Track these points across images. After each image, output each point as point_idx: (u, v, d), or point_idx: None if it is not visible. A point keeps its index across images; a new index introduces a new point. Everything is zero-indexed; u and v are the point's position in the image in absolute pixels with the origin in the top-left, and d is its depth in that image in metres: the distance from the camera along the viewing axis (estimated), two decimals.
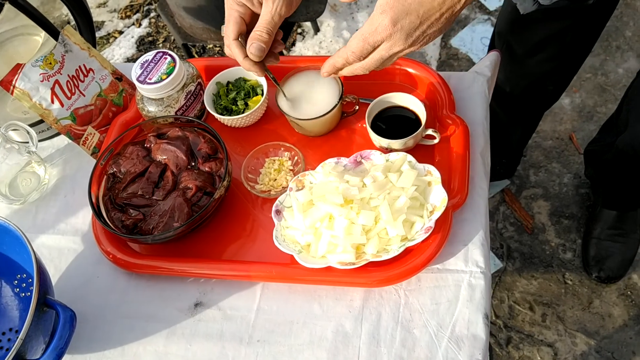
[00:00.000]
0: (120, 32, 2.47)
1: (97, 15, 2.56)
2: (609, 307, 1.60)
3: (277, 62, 0.85)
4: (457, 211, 0.86)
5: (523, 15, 1.21)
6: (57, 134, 1.07)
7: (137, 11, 2.53)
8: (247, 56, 0.82)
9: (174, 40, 2.35)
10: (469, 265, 0.83)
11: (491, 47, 1.42)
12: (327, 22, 2.19)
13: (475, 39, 2.08)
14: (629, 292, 1.61)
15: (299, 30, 2.24)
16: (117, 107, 1.05)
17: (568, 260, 1.68)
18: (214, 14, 1.68)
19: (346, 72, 0.78)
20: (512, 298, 1.65)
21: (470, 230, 0.86)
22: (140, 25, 2.47)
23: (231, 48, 0.82)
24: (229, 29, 0.81)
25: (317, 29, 2.13)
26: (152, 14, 2.50)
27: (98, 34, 2.48)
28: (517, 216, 1.78)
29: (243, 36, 0.82)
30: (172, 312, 0.87)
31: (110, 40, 2.46)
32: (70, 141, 1.03)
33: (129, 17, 2.52)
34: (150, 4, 2.53)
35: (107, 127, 1.03)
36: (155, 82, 0.92)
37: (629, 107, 1.33)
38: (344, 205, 0.82)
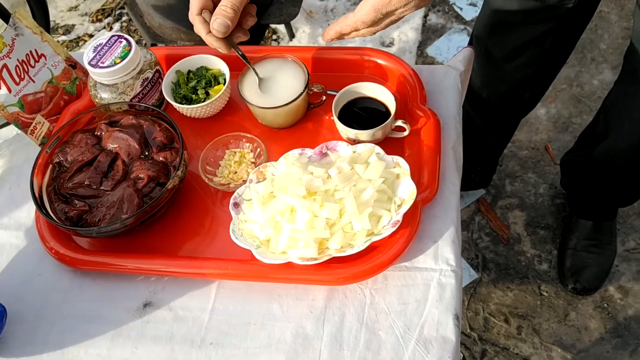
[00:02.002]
0: (91, 36, 2.41)
1: (68, 18, 2.49)
2: (585, 319, 1.56)
3: (247, 38, 0.81)
4: (427, 206, 0.81)
5: (503, 18, 1.19)
6: (6, 124, 1.00)
7: (109, 15, 2.47)
8: (210, 32, 0.77)
9: (145, 44, 2.29)
10: (439, 263, 0.78)
11: None
12: (302, 28, 2.15)
13: (451, 48, 2.06)
14: (605, 305, 1.57)
15: (274, 37, 2.20)
16: (69, 96, 0.98)
17: (544, 272, 1.64)
18: (184, 13, 1.62)
19: (352, 35, 0.78)
20: (487, 310, 1.60)
21: (440, 227, 0.80)
22: (111, 29, 2.41)
23: (194, 23, 0.78)
24: (193, 3, 0.76)
25: (292, 35, 2.09)
26: (124, 18, 2.44)
27: (68, 37, 2.42)
28: (492, 226, 1.74)
29: (208, 11, 0.78)
30: (119, 313, 0.80)
31: (80, 44, 2.39)
32: (19, 131, 0.96)
33: (100, 20, 2.46)
34: (122, 7, 2.47)
35: (57, 116, 0.97)
36: (108, 66, 0.86)
37: (606, 117, 1.30)
38: (306, 197, 0.76)
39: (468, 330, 1.57)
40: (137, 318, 0.80)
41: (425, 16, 2.15)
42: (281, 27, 2.15)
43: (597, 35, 2.08)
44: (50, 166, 0.85)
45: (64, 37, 2.41)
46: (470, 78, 1.31)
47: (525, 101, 1.41)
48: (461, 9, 2.15)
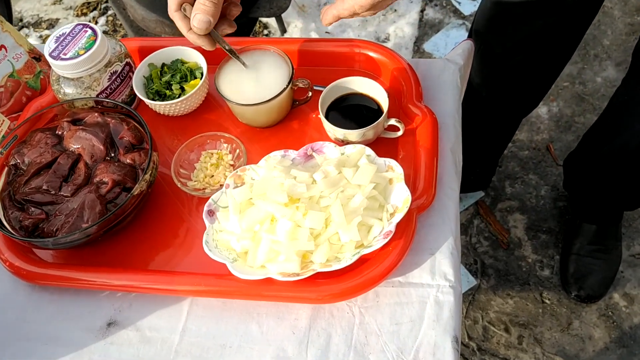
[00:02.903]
0: None
1: (52, 12, 2.40)
2: (589, 328, 1.48)
3: (233, 29, 0.73)
4: (423, 214, 0.73)
5: (503, 11, 1.11)
6: None
7: (94, 8, 2.38)
8: (191, 29, 0.69)
9: None
10: (436, 279, 0.70)
11: None
12: (294, 22, 2.07)
13: (449, 43, 1.97)
14: (610, 313, 1.50)
15: (265, 32, 2.12)
16: (32, 91, 0.90)
17: (546, 278, 1.56)
18: None
19: (351, 17, 0.71)
20: (487, 318, 1.52)
21: (437, 237, 0.72)
22: (96, 23, 2.32)
23: (174, 20, 0.70)
24: None
25: (283, 30, 2.01)
26: (110, 12, 2.35)
27: (51, 32, 2.33)
28: (492, 230, 1.66)
29: (189, 4, 0.70)
30: (79, 334, 0.72)
31: None
32: None
33: (85, 14, 2.37)
34: (107, 0, 2.38)
35: (19, 113, 0.88)
36: (70, 58, 0.78)
37: (615, 116, 1.23)
38: (288, 205, 0.68)
39: (466, 340, 1.49)
40: (100, 339, 0.71)
41: (422, 10, 2.07)
42: (272, 22, 2.07)
43: (600, 31, 2.00)
44: (6, 169, 0.77)
45: (47, 32, 2.32)
46: (470, 74, 1.24)
47: (527, 99, 1.34)
48: (459, 2, 2.07)
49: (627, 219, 1.61)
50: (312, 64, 0.87)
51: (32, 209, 0.72)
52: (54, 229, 0.70)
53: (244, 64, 0.80)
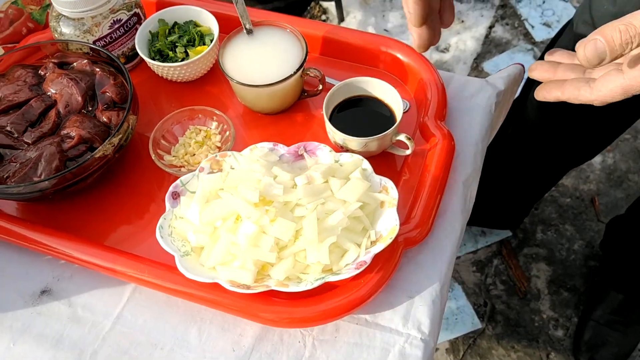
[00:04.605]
0: None
1: None
2: None
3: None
4: (412, 250, 0.63)
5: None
6: None
7: None
8: None
9: None
10: (408, 327, 0.60)
11: (530, 83, 1.17)
12: (354, 13, 1.96)
13: None
14: None
15: (323, 17, 2.02)
16: (35, 24, 0.84)
17: (557, 339, 1.43)
18: None
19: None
20: None
21: (422, 280, 0.62)
22: None
23: None
24: None
25: (341, 18, 1.91)
26: None
27: None
28: (511, 274, 1.53)
29: None
30: (9, 295, 0.65)
31: None
32: None
33: None
34: None
35: (15, 44, 0.82)
36: None
37: None
38: (258, 206, 0.59)
39: None
40: (29, 306, 0.65)
41: (491, 27, 1.93)
42: (332, 8, 1.97)
43: None
44: None
45: None
46: (526, 107, 1.11)
47: (586, 150, 1.20)
48: (532, 27, 1.92)
49: None
50: (332, 54, 0.78)
51: None
52: (4, 176, 0.64)
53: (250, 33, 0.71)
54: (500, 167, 1.30)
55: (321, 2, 2.02)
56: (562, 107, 1.05)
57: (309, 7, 2.03)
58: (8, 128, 0.67)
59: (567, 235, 1.58)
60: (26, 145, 0.66)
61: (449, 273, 0.64)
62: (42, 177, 0.63)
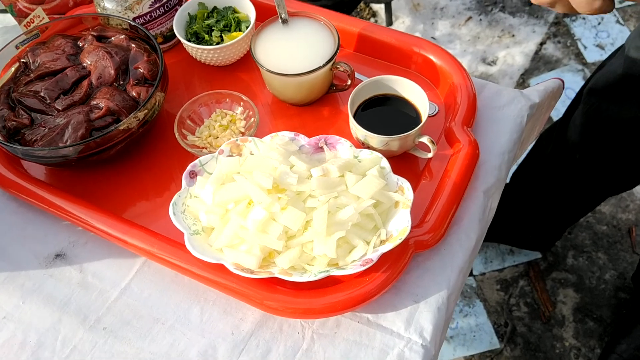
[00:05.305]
0: None
1: None
2: None
3: None
4: (422, 254, 0.62)
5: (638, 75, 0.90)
6: (4, 10, 0.89)
7: None
8: None
9: None
10: (410, 331, 0.59)
11: (575, 103, 1.13)
12: (403, 18, 1.95)
13: None
14: None
15: (372, 20, 2.02)
16: None
17: None
18: None
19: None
20: None
21: (429, 285, 0.61)
22: None
23: None
24: None
25: (390, 22, 1.90)
26: None
27: None
28: (536, 297, 1.49)
29: None
30: (25, 254, 0.67)
31: None
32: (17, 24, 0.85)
33: None
34: None
35: (61, 15, 0.84)
36: None
37: None
38: (271, 192, 0.59)
39: None
40: (42, 267, 0.66)
41: (542, 43, 1.89)
42: (382, 11, 1.96)
43: None
44: (16, 64, 0.73)
45: None
46: (569, 127, 1.08)
47: (629, 178, 1.15)
48: (585, 47, 1.86)
49: None
50: (364, 51, 0.77)
51: (21, 112, 0.68)
52: (33, 139, 0.66)
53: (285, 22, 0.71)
54: (536, 185, 1.26)
55: (372, 5, 2.01)
56: (606, 132, 1.02)
57: (359, 9, 2.03)
58: (42, 93, 0.69)
59: (599, 264, 1.52)
60: (56, 112, 0.68)
61: (458, 282, 0.62)
62: (68, 143, 0.65)
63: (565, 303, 1.48)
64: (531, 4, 1.99)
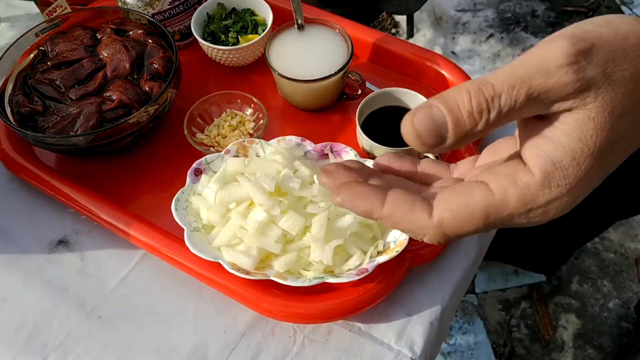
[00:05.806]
0: None
1: None
2: None
3: None
4: (419, 268, 0.62)
5: None
6: None
7: None
8: None
9: None
10: (400, 344, 0.59)
11: None
12: (424, 31, 1.95)
13: None
14: None
15: (393, 30, 2.02)
16: None
17: None
18: None
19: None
20: None
21: (424, 299, 0.61)
22: None
23: None
24: None
25: (411, 34, 1.90)
26: None
27: None
28: (537, 320, 1.48)
29: None
30: (30, 239, 0.68)
31: None
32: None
33: None
34: None
35: (84, 5, 0.86)
36: None
37: None
38: (272, 195, 0.60)
39: None
40: (44, 252, 0.67)
41: None
42: (404, 22, 1.97)
43: None
44: (35, 52, 0.74)
45: None
46: None
47: (636, 201, 1.14)
48: None
49: None
50: (377, 62, 0.78)
51: (36, 98, 0.69)
52: (45, 126, 0.67)
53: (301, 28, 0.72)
54: None
55: (394, 15, 2.02)
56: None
57: (381, 19, 2.03)
58: (57, 82, 0.70)
59: (603, 291, 1.51)
60: (70, 101, 0.69)
61: (454, 299, 0.62)
62: (78, 132, 0.66)
63: (566, 328, 1.46)
64: (554, 25, 1.98)
